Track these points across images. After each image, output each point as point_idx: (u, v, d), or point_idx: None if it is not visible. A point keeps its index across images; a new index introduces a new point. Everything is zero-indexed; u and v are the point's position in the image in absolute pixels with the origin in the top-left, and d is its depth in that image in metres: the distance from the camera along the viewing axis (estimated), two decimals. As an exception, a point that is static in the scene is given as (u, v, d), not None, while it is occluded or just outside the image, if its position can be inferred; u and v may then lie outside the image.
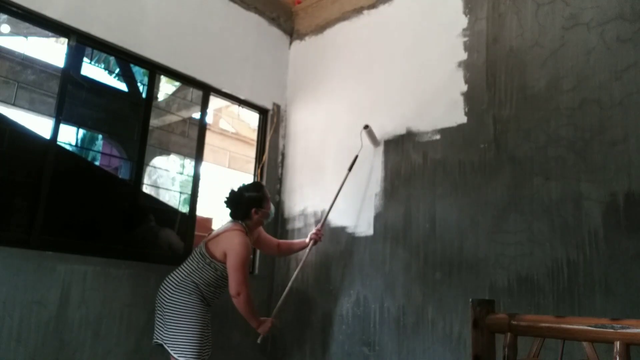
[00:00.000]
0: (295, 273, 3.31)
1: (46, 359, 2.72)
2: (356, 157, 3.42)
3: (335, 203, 3.39)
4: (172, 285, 2.78)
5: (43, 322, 2.73)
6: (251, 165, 4.34)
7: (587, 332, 1.24)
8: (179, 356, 2.64)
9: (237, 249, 2.76)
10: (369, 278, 3.38)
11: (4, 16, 3.08)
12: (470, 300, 1.54)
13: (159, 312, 2.79)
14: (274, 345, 3.86)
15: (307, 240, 3.36)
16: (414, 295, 3.11)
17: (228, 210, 3.02)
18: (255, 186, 3.11)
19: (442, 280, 3.00)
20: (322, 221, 3.42)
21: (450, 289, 2.94)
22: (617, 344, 1.16)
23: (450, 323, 2.90)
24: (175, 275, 2.82)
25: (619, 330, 1.16)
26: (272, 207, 3.10)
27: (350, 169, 3.39)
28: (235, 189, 3.03)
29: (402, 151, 3.40)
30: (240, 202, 2.96)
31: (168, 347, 2.66)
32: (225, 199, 3.00)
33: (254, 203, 2.96)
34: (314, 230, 3.37)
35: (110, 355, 2.98)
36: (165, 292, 2.78)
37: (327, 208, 3.44)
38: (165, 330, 2.70)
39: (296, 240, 3.58)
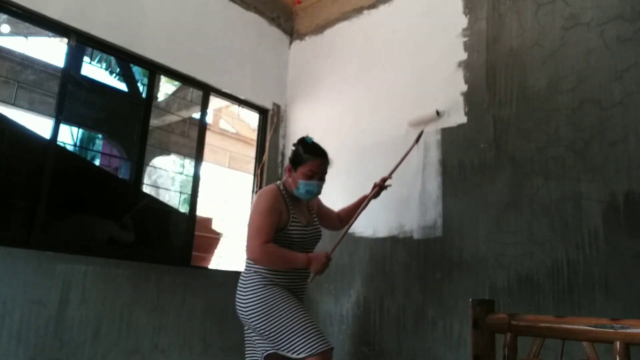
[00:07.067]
0: (355, 218, 2.76)
1: (46, 359, 2.72)
2: (422, 132, 3.06)
3: (335, 202, 3.35)
4: (241, 288, 2.36)
5: (43, 322, 2.73)
6: (251, 165, 4.34)
7: (587, 332, 1.24)
8: (296, 351, 2.13)
9: (255, 201, 2.30)
10: (369, 278, 3.38)
11: (4, 16, 3.08)
12: (470, 300, 1.54)
13: (245, 327, 2.40)
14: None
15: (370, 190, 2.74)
16: (414, 295, 3.11)
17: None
18: (308, 144, 2.45)
19: (442, 280, 3.00)
20: (394, 168, 2.83)
21: (450, 289, 2.94)
22: (617, 344, 1.16)
23: (450, 323, 2.90)
24: (241, 277, 2.40)
25: (619, 330, 1.16)
26: (314, 183, 2.37)
27: (417, 140, 3.04)
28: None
29: (402, 151, 3.39)
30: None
31: (281, 350, 2.20)
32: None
33: (291, 159, 2.42)
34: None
35: (110, 355, 2.98)
36: (238, 300, 2.36)
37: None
38: (266, 337, 2.23)
39: (353, 203, 2.91)
